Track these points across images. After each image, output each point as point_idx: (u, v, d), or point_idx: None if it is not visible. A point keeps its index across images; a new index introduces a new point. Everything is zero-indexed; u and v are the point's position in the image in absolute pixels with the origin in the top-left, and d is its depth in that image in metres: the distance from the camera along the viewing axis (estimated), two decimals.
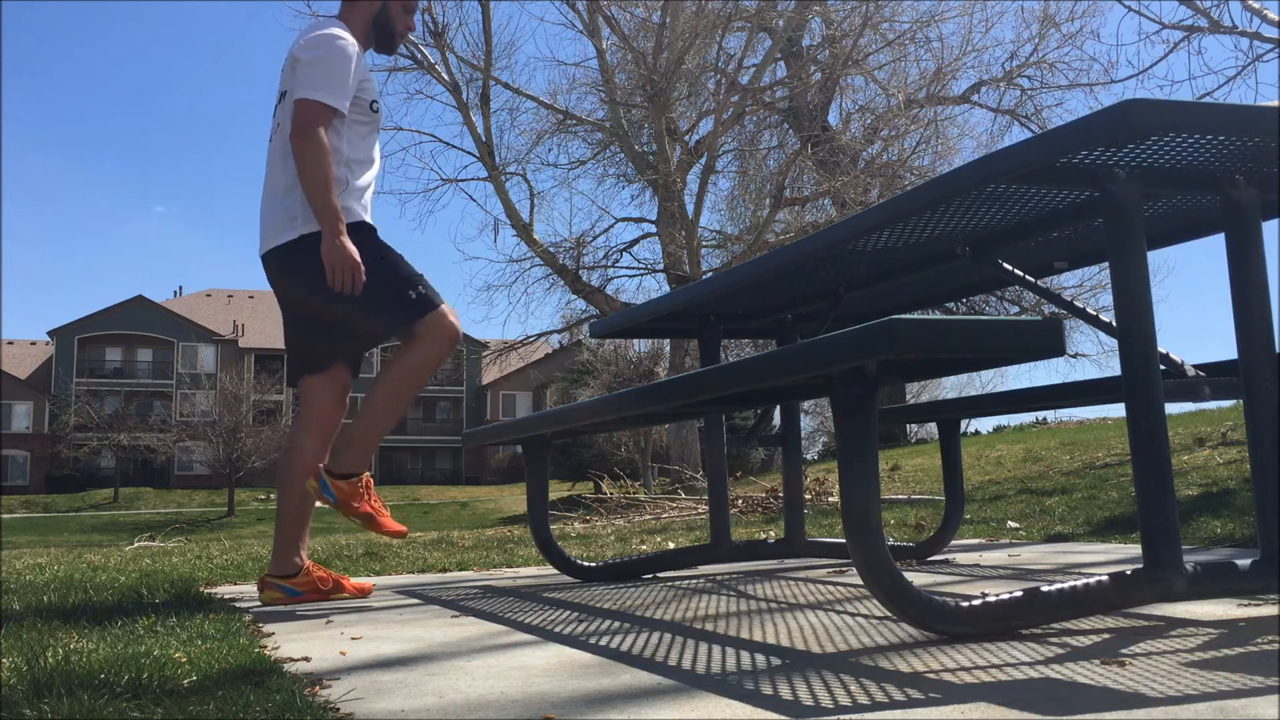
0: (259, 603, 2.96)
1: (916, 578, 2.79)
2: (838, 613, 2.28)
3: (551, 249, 17.45)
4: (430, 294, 2.86)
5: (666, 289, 17.09)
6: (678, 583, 3.11)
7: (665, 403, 2.30)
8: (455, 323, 2.88)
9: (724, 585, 2.97)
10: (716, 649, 1.84)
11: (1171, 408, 2.15)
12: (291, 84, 2.83)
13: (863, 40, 17.02)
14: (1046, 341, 1.64)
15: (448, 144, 18.68)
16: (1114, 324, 1.90)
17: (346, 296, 2.77)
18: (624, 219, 18.54)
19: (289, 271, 2.89)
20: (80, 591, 3.16)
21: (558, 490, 26.80)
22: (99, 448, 50.35)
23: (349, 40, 2.86)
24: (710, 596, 2.69)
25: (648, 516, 8.27)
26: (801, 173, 17.50)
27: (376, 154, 3.00)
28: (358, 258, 2.75)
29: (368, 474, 2.93)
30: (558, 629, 2.19)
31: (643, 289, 19.92)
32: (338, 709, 1.45)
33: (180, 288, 66.80)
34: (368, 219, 2.91)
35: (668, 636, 2.01)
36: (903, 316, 1.57)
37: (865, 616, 2.19)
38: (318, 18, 3.02)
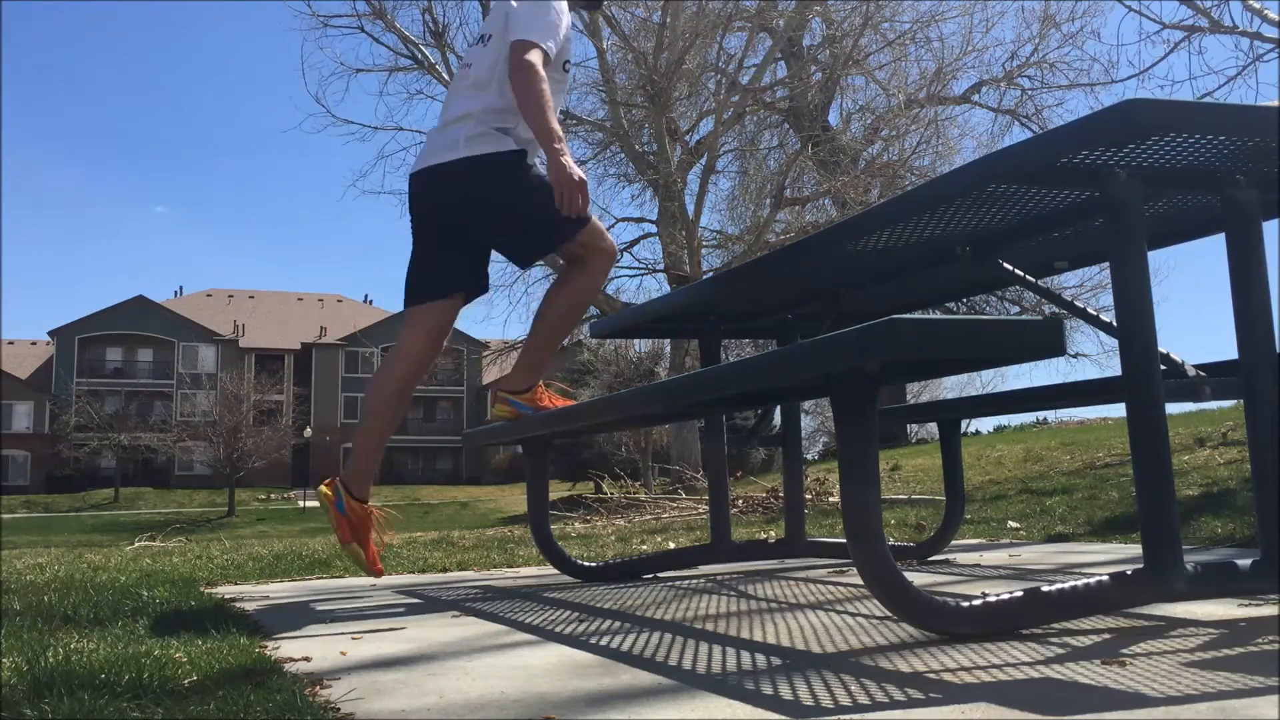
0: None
1: (917, 578, 2.79)
2: (838, 613, 2.27)
3: None
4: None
5: (667, 289, 17.08)
6: (678, 583, 3.10)
7: (665, 403, 2.30)
8: (611, 241, 3.05)
9: (724, 585, 2.97)
10: (717, 649, 1.84)
11: (1171, 408, 2.14)
12: (502, 28, 2.92)
13: (863, 40, 17.02)
14: (1046, 341, 1.64)
15: None
16: (1114, 324, 1.89)
17: (517, 213, 2.90)
18: (624, 219, 18.49)
19: (437, 188, 2.96)
20: (80, 591, 3.16)
21: (558, 490, 26.79)
22: (99, 448, 50.41)
23: None
24: (710, 596, 2.69)
25: (648, 516, 8.27)
26: (802, 173, 17.50)
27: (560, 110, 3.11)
28: (582, 176, 2.83)
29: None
30: (558, 629, 2.19)
31: (643, 289, 19.93)
32: (338, 709, 1.45)
33: (180, 288, 66.90)
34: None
35: (668, 636, 2.01)
36: (903, 316, 1.57)
37: (865, 616, 2.19)
38: None
